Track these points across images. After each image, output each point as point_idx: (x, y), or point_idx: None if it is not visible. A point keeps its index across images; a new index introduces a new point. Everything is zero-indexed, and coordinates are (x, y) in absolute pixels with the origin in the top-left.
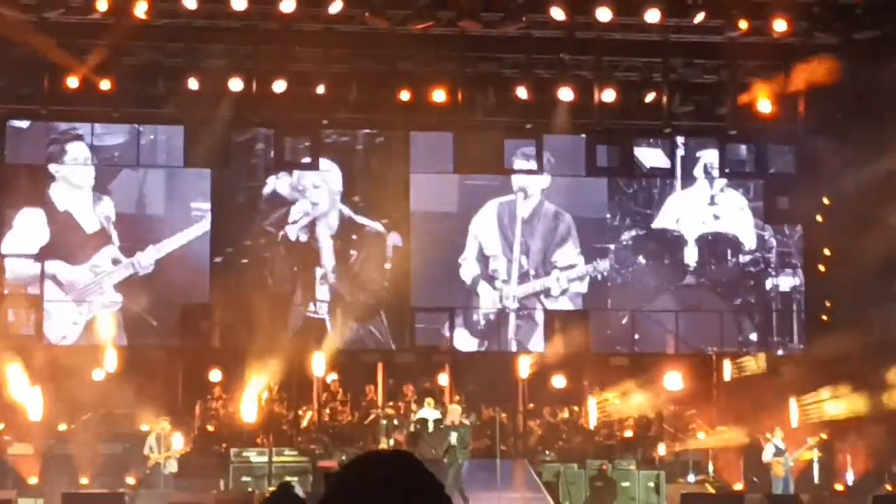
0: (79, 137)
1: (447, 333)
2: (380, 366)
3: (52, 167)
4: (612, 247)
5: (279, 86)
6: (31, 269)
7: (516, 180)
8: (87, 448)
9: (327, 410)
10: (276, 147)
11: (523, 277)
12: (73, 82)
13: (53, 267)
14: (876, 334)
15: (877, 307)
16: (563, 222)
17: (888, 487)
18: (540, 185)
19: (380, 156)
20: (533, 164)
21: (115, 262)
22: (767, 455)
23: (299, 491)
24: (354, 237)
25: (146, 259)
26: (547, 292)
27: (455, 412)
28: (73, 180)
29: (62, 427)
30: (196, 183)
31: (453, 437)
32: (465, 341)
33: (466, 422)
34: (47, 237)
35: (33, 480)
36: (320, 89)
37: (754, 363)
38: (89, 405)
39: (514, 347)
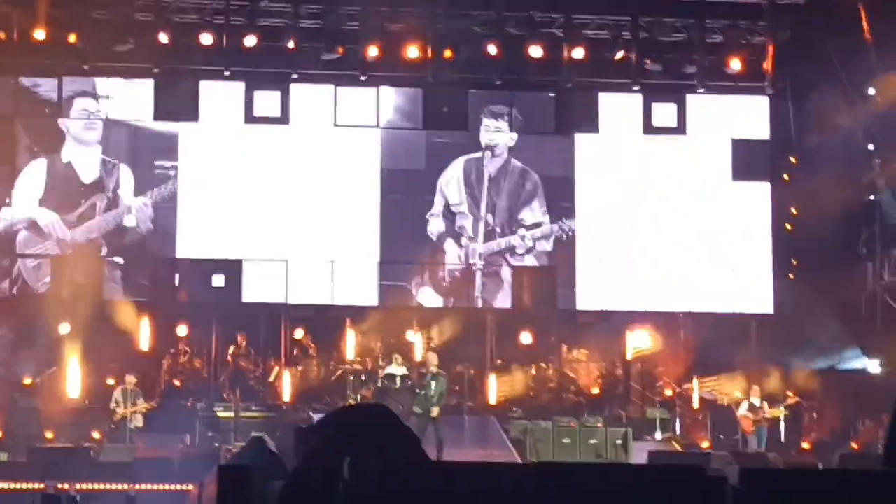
0: (87, 93)
1: (413, 290)
2: (348, 321)
3: (62, 122)
4: (577, 204)
5: (249, 40)
6: (17, 218)
7: (484, 138)
8: (53, 402)
9: (298, 367)
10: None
11: (489, 235)
12: (39, 34)
13: (39, 214)
14: (841, 291)
15: (842, 264)
16: (529, 181)
17: (854, 445)
18: (507, 142)
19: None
20: (501, 123)
21: (105, 211)
22: (741, 410)
23: (271, 445)
24: None
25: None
26: (512, 250)
27: (433, 359)
28: (81, 137)
29: (27, 381)
30: (160, 140)
31: (432, 387)
32: (430, 298)
33: (443, 371)
34: (43, 188)
35: None
36: (290, 44)
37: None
38: (55, 358)
39: (479, 304)
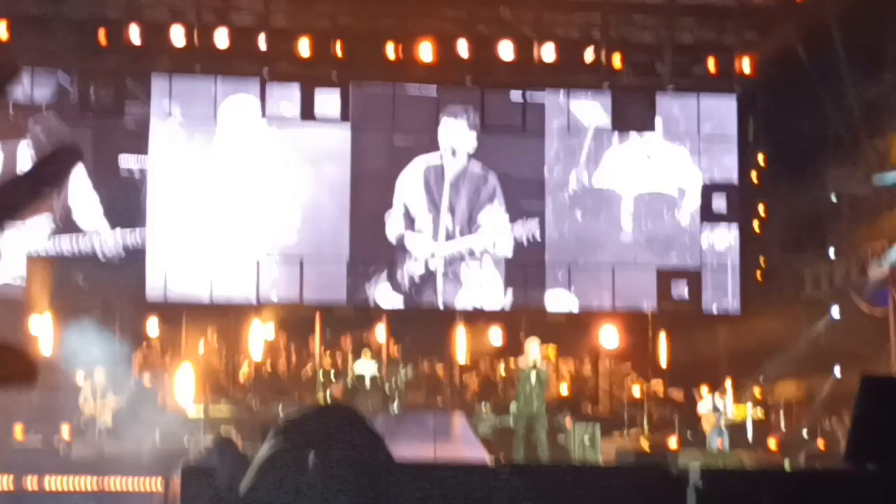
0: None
1: (371, 291)
2: (317, 317)
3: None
4: (547, 204)
5: (221, 39)
6: None
7: (444, 139)
8: (21, 398)
9: (267, 364)
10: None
11: (449, 237)
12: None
13: None
14: (808, 292)
15: (809, 266)
16: (489, 182)
17: (820, 445)
18: (468, 144)
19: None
20: (461, 122)
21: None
22: (702, 409)
23: (238, 445)
24: None
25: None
26: (471, 252)
27: (533, 349)
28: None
29: None
30: (127, 140)
31: (531, 378)
32: (388, 299)
33: (543, 367)
34: None
35: None
36: (261, 43)
37: None
38: None
39: (440, 306)
